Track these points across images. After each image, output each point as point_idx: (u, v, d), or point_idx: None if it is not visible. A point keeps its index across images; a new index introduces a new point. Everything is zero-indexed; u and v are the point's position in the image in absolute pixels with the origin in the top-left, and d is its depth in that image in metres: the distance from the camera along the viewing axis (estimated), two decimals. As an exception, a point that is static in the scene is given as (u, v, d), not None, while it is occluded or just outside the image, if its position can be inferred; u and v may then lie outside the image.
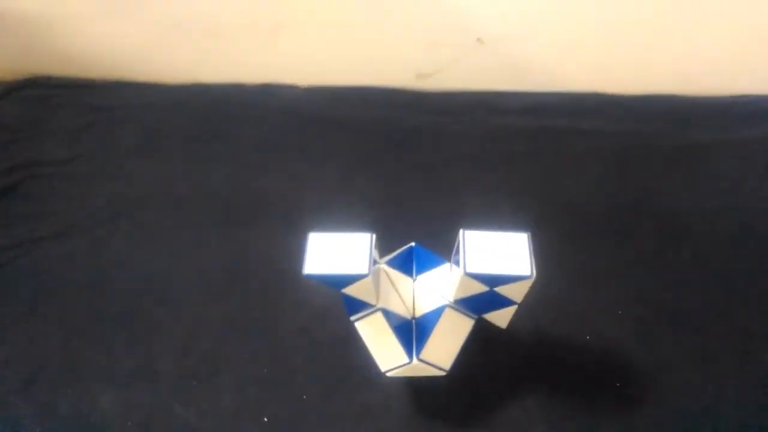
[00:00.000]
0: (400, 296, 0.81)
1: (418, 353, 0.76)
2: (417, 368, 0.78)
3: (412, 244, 0.85)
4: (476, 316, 0.79)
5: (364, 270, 0.68)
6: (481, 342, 0.85)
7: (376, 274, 0.72)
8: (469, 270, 0.68)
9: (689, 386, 0.86)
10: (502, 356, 0.89)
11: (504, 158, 1.13)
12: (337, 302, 0.90)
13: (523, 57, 1.18)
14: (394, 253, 0.84)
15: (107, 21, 1.20)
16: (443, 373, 0.79)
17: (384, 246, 0.80)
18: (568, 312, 0.93)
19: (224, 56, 1.24)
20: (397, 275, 0.82)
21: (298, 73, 1.25)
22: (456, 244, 0.75)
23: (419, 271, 0.83)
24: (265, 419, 0.85)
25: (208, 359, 0.90)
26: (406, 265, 0.84)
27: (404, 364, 0.77)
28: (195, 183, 1.10)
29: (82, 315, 0.95)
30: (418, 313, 0.80)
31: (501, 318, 0.80)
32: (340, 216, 0.99)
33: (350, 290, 0.72)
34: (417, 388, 0.86)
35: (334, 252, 0.70)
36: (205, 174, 1.11)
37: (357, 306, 0.76)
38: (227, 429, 0.84)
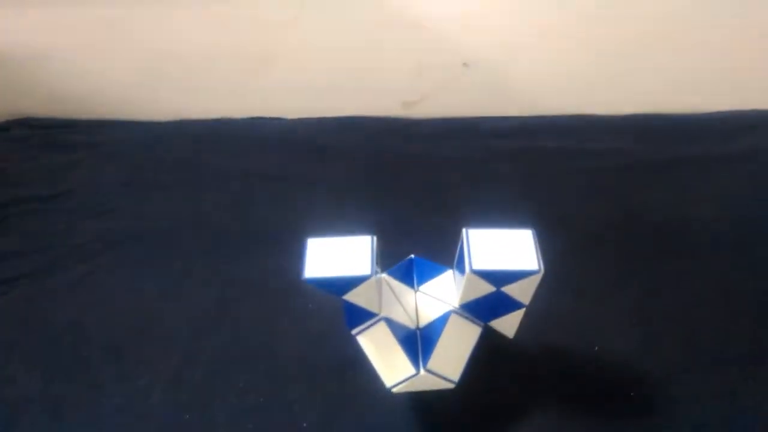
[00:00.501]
0: (402, 307, 0.78)
1: (425, 364, 0.73)
2: (424, 381, 0.74)
3: (412, 256, 0.83)
4: (483, 324, 0.76)
5: (366, 271, 0.66)
6: (488, 356, 0.82)
7: (378, 281, 0.69)
8: (476, 267, 0.67)
9: (703, 394, 0.83)
10: (510, 370, 0.87)
11: (495, 180, 1.13)
12: (334, 327, 0.89)
13: (509, 81, 1.20)
14: (395, 266, 0.81)
15: (90, 60, 1.21)
16: (451, 386, 0.76)
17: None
18: (574, 324, 0.91)
19: (209, 91, 1.25)
20: (398, 286, 0.79)
21: (284, 105, 1.25)
22: (459, 247, 0.73)
23: (421, 282, 0.81)
24: (262, 450, 0.79)
25: (201, 391, 0.85)
26: (407, 276, 0.82)
27: (411, 376, 0.73)
28: (182, 215, 1.08)
29: (65, 353, 0.90)
30: (423, 322, 0.77)
31: (508, 326, 0.78)
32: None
33: (352, 296, 0.69)
34: (424, 407, 0.82)
35: (335, 256, 0.68)
36: (193, 205, 1.10)
37: (359, 316, 0.73)
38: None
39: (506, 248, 0.69)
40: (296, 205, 1.09)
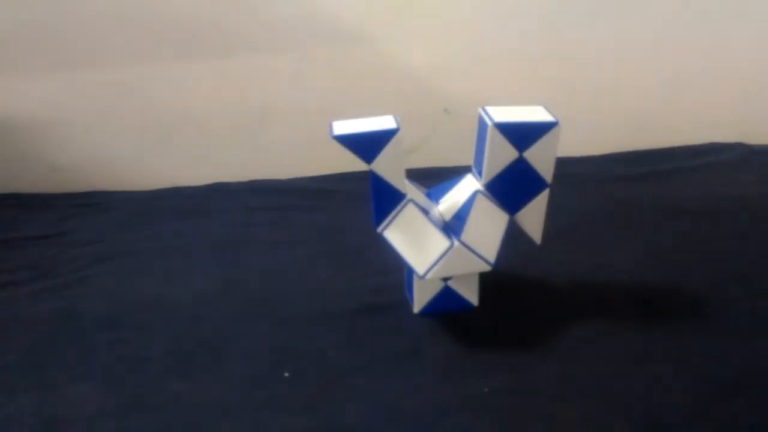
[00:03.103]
0: (428, 206, 0.79)
1: (458, 236, 0.72)
2: (459, 259, 0.74)
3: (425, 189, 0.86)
4: (509, 214, 0.77)
5: (392, 125, 0.71)
6: (519, 285, 0.87)
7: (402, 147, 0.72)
8: (498, 120, 0.72)
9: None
10: (541, 298, 0.87)
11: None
12: (351, 283, 0.91)
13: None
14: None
15: (79, 132, 1.31)
16: (488, 268, 0.75)
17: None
18: (596, 267, 0.94)
19: (204, 157, 1.36)
20: (421, 195, 0.81)
21: (280, 164, 1.34)
22: (475, 143, 0.78)
23: (438, 198, 0.83)
24: (286, 374, 0.72)
25: (208, 343, 0.81)
26: (426, 197, 0.84)
27: (446, 250, 0.73)
28: (183, 235, 1.10)
29: (50, 330, 0.85)
30: (450, 214, 0.78)
31: (534, 223, 0.80)
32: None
33: (380, 164, 0.73)
34: (448, 327, 0.81)
35: (361, 124, 0.72)
36: (195, 230, 1.12)
37: (386, 199, 0.75)
38: (242, 396, 0.72)
39: (523, 114, 0.75)
40: (297, 225, 1.12)
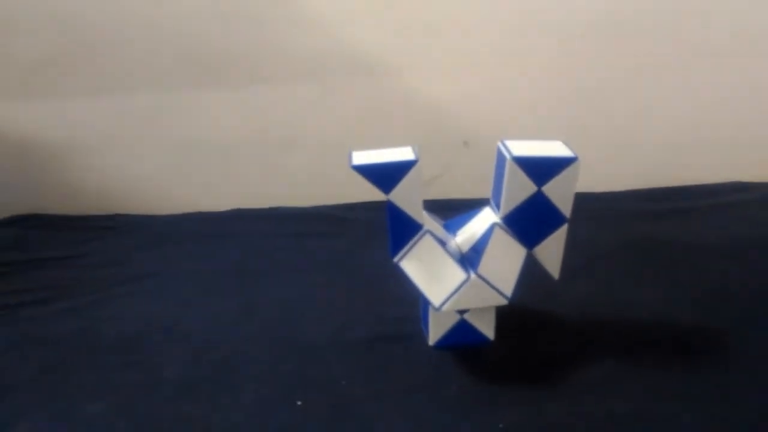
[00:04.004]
0: (445, 238, 0.80)
1: (474, 269, 0.73)
2: (476, 293, 0.74)
3: (443, 221, 0.87)
4: (527, 248, 0.77)
5: (411, 157, 0.72)
6: (533, 319, 0.86)
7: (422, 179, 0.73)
8: (516, 154, 0.72)
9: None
10: (555, 332, 0.86)
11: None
12: (362, 315, 0.91)
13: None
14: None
15: (102, 155, 1.34)
16: (504, 302, 0.74)
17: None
18: (614, 303, 0.93)
19: (226, 183, 1.39)
20: (438, 227, 0.82)
21: (301, 193, 1.36)
22: (494, 177, 0.79)
23: (456, 230, 0.83)
24: (299, 402, 0.72)
25: (221, 368, 0.82)
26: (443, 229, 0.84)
27: (462, 283, 0.73)
28: (203, 261, 1.11)
29: (67, 351, 0.87)
30: (467, 247, 0.78)
31: (552, 259, 0.80)
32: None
33: (398, 194, 0.73)
34: (463, 360, 0.81)
35: (380, 155, 0.73)
36: (215, 256, 1.13)
37: (403, 229, 0.75)
38: (254, 422, 0.72)
39: (542, 149, 0.76)
40: (316, 252, 1.13)
